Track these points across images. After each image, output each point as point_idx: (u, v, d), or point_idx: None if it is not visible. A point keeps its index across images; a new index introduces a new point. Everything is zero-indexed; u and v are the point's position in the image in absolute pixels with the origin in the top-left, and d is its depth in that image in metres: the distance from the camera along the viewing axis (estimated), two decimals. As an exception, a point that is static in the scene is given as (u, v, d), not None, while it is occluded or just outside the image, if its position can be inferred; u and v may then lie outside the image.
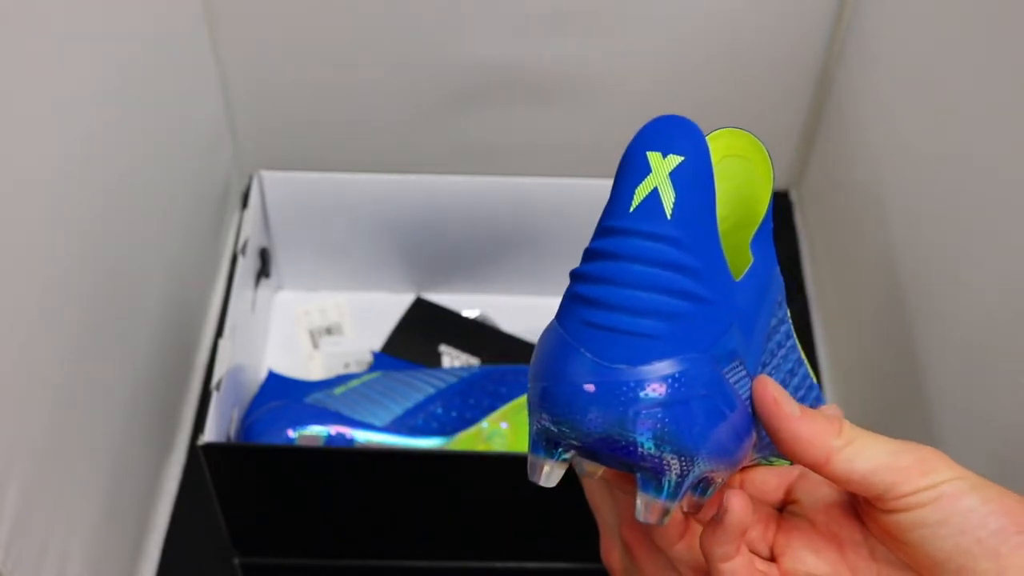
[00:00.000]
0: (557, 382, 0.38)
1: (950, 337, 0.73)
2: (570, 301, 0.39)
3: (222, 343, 0.77)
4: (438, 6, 0.91)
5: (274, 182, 0.89)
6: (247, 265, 0.86)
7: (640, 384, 0.37)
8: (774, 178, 0.43)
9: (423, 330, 0.96)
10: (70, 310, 0.67)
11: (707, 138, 0.41)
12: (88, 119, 0.70)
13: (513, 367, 0.88)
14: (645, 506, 0.39)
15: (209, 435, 0.71)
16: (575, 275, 0.39)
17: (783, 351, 0.45)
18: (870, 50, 0.90)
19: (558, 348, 0.39)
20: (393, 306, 0.98)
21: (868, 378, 0.87)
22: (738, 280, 0.40)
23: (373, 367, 0.91)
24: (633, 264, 0.37)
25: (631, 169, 0.38)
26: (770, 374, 0.43)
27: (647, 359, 0.37)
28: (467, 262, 0.96)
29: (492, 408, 0.83)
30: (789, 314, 0.46)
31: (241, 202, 1.02)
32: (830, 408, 0.47)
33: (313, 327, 0.97)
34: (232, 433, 0.80)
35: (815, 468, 0.41)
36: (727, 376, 0.39)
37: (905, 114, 0.83)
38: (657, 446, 0.37)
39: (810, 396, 0.48)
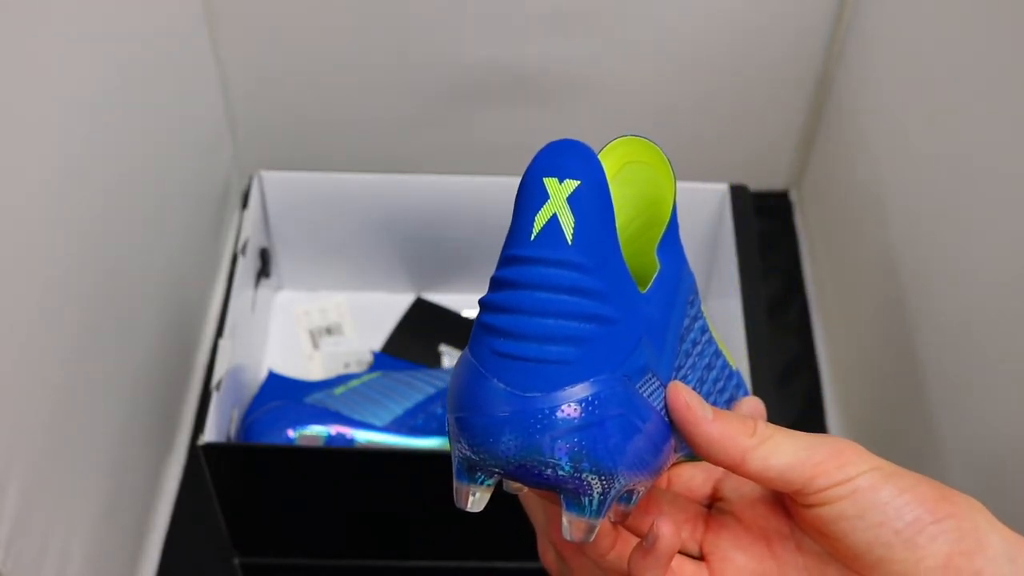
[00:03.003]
0: (472, 412, 0.39)
1: (950, 337, 0.73)
2: (480, 330, 0.39)
3: (222, 343, 0.77)
4: (438, 6, 0.91)
5: (274, 182, 0.89)
6: (247, 265, 0.86)
7: (553, 410, 0.38)
8: (675, 181, 0.43)
9: (423, 330, 0.96)
10: (70, 310, 0.67)
11: (605, 149, 0.42)
12: (88, 119, 0.70)
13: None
14: (570, 524, 0.39)
15: (209, 435, 0.71)
16: (483, 304, 0.40)
17: (698, 348, 0.45)
18: (870, 50, 0.90)
19: (471, 379, 0.39)
20: (393, 306, 0.98)
21: (868, 378, 0.87)
22: (645, 292, 0.40)
23: (373, 367, 0.91)
24: (537, 291, 0.38)
25: (529, 196, 0.38)
26: (686, 374, 0.44)
27: (558, 385, 0.38)
28: (467, 262, 0.96)
29: (492, 408, 0.83)
30: (703, 308, 0.47)
31: (241, 202, 1.02)
32: (751, 401, 0.47)
33: (313, 327, 0.97)
34: (232, 433, 0.80)
35: (732, 469, 0.42)
36: (640, 390, 0.39)
37: (905, 114, 0.83)
38: (575, 468, 0.38)
39: (729, 386, 0.49)
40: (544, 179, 0.38)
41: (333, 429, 0.81)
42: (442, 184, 0.88)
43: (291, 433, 0.80)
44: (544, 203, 0.38)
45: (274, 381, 0.86)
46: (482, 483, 0.40)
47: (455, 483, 0.41)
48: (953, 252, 0.74)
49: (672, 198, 0.43)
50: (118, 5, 0.73)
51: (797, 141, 1.04)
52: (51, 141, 0.64)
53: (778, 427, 0.42)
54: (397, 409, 0.83)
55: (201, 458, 0.72)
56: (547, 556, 0.48)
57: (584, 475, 0.38)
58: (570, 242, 0.38)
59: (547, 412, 0.38)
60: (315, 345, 0.96)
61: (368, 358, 0.93)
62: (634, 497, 0.41)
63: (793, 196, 1.09)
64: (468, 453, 0.39)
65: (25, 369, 0.61)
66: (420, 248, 0.95)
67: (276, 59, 0.96)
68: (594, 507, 0.39)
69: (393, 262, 0.96)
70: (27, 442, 0.61)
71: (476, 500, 0.40)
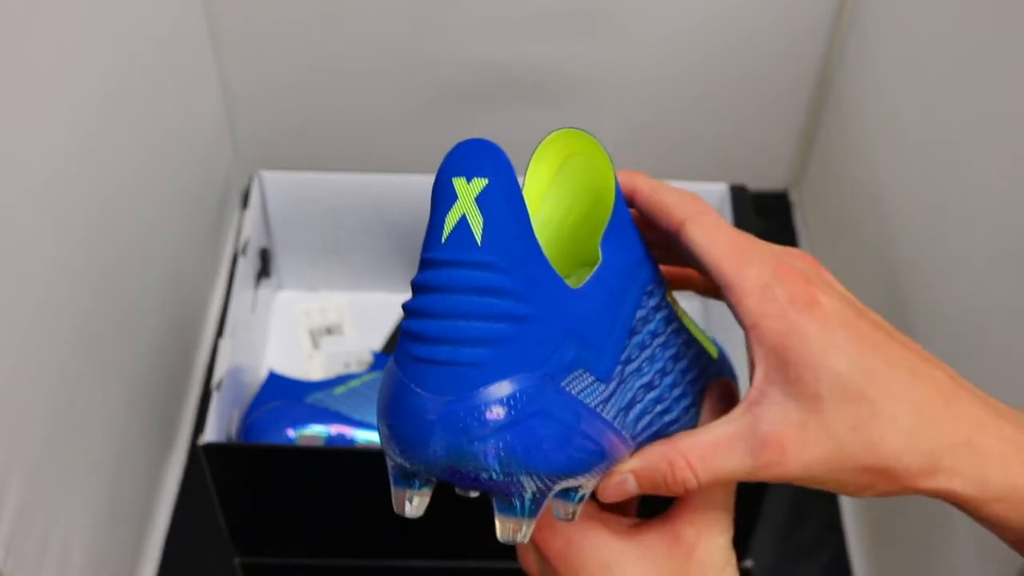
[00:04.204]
0: (398, 419, 0.38)
1: (949, 337, 0.73)
2: (401, 337, 0.39)
3: (222, 343, 0.77)
4: (438, 6, 0.91)
5: (274, 182, 0.89)
6: (247, 265, 0.86)
7: (472, 412, 0.37)
8: (615, 173, 0.42)
9: (423, 330, 0.96)
10: (70, 310, 0.67)
11: (543, 143, 0.42)
12: (89, 119, 0.70)
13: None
14: (502, 526, 0.39)
15: (209, 435, 0.71)
16: (404, 309, 0.39)
17: (660, 339, 0.44)
18: (870, 50, 0.90)
19: (394, 386, 0.39)
20: (393, 306, 0.98)
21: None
22: (580, 286, 0.40)
23: (373, 367, 0.91)
24: (448, 294, 0.38)
25: (439, 198, 0.38)
26: (641, 366, 0.43)
27: (474, 387, 0.37)
28: (467, 262, 0.96)
29: (492, 408, 0.83)
30: (672, 297, 0.46)
31: (241, 202, 1.02)
32: (721, 384, 0.49)
33: (313, 327, 0.97)
34: (232, 433, 0.80)
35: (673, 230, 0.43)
36: (567, 387, 0.39)
37: (905, 114, 0.83)
38: (504, 470, 0.38)
39: (708, 372, 0.48)
40: (453, 179, 0.38)
41: (333, 429, 0.81)
42: (442, 184, 0.87)
43: (291, 433, 0.80)
44: (453, 204, 0.38)
45: (274, 381, 0.86)
46: (419, 488, 0.40)
47: (392, 489, 0.41)
48: (952, 252, 0.74)
49: (612, 191, 0.42)
50: (119, 6, 0.73)
51: (797, 141, 1.04)
52: (51, 141, 0.64)
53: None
54: (397, 409, 0.83)
55: (201, 458, 0.72)
56: (527, 558, 0.48)
57: (515, 476, 0.38)
58: (479, 242, 0.37)
59: (465, 415, 0.37)
60: (315, 345, 0.96)
61: (368, 358, 0.93)
62: (578, 493, 0.41)
63: (793, 196, 1.09)
64: (399, 460, 0.39)
65: (25, 369, 0.61)
66: (420, 248, 0.95)
67: (276, 59, 0.96)
68: (526, 508, 0.39)
69: (393, 262, 0.96)
70: (27, 442, 0.61)
71: (414, 506, 0.41)
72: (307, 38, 0.94)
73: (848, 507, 0.89)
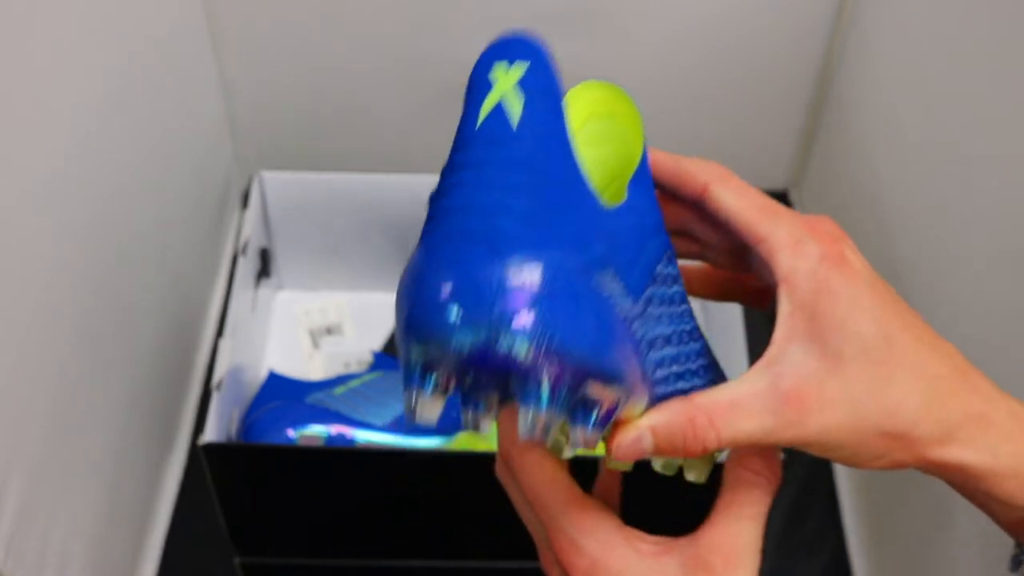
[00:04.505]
0: (418, 302, 0.36)
1: (949, 337, 0.72)
2: (426, 225, 0.37)
3: (222, 343, 0.77)
4: (438, 6, 0.91)
5: (274, 182, 0.89)
6: (247, 265, 0.86)
7: (502, 282, 0.35)
8: (643, 129, 0.42)
9: (423, 330, 0.96)
10: (70, 310, 0.67)
11: (570, 93, 0.41)
12: (89, 119, 0.70)
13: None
14: (524, 417, 0.36)
15: (209, 435, 0.71)
16: (429, 200, 0.38)
17: (675, 309, 0.43)
18: (870, 50, 0.90)
19: (416, 268, 0.37)
20: (393, 306, 0.97)
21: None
22: (609, 209, 0.39)
23: (373, 367, 0.91)
24: (482, 170, 0.36)
25: (475, 88, 0.37)
26: (660, 317, 0.42)
27: (507, 255, 0.35)
28: (467, 262, 0.96)
29: (492, 408, 0.83)
30: (687, 295, 0.45)
31: (241, 202, 1.02)
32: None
33: (313, 327, 0.97)
34: (232, 433, 0.80)
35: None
36: (599, 280, 0.37)
37: (905, 114, 0.83)
38: (531, 343, 0.35)
39: (717, 370, 0.47)
40: (493, 64, 0.37)
41: (333, 429, 0.81)
42: (442, 184, 0.87)
43: (291, 433, 0.80)
44: (489, 91, 0.37)
45: (274, 381, 0.87)
46: (432, 386, 0.36)
47: (404, 393, 0.37)
48: (952, 252, 0.74)
49: (641, 146, 0.41)
50: (119, 6, 0.73)
51: (797, 141, 1.04)
52: (52, 141, 0.64)
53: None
54: (397, 409, 0.83)
55: (201, 458, 0.72)
56: (552, 571, 0.48)
57: (543, 354, 0.35)
58: (515, 126, 0.36)
59: (494, 284, 0.35)
60: (315, 345, 0.96)
61: (368, 358, 0.93)
62: (594, 411, 0.38)
63: (793, 196, 1.09)
64: (417, 353, 0.36)
65: (25, 369, 0.61)
66: (420, 248, 0.95)
67: (276, 59, 0.96)
68: (552, 396, 0.35)
69: (393, 262, 0.96)
70: (27, 442, 0.61)
71: (426, 407, 0.37)
72: (307, 38, 0.94)
73: (848, 507, 0.89)
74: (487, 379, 0.36)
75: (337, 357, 0.94)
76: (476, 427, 0.39)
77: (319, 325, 0.97)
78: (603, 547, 0.43)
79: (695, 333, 0.45)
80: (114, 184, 0.74)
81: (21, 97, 0.60)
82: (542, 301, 0.35)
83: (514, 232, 0.35)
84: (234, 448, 0.75)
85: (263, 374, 0.90)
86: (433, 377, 0.36)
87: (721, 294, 0.49)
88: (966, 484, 0.42)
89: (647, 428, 0.40)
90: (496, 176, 0.36)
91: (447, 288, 0.35)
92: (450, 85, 1.00)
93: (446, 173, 0.37)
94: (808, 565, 0.87)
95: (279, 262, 0.96)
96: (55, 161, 0.65)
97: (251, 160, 1.01)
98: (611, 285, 0.38)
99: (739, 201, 0.43)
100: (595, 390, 0.37)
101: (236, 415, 0.81)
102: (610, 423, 0.39)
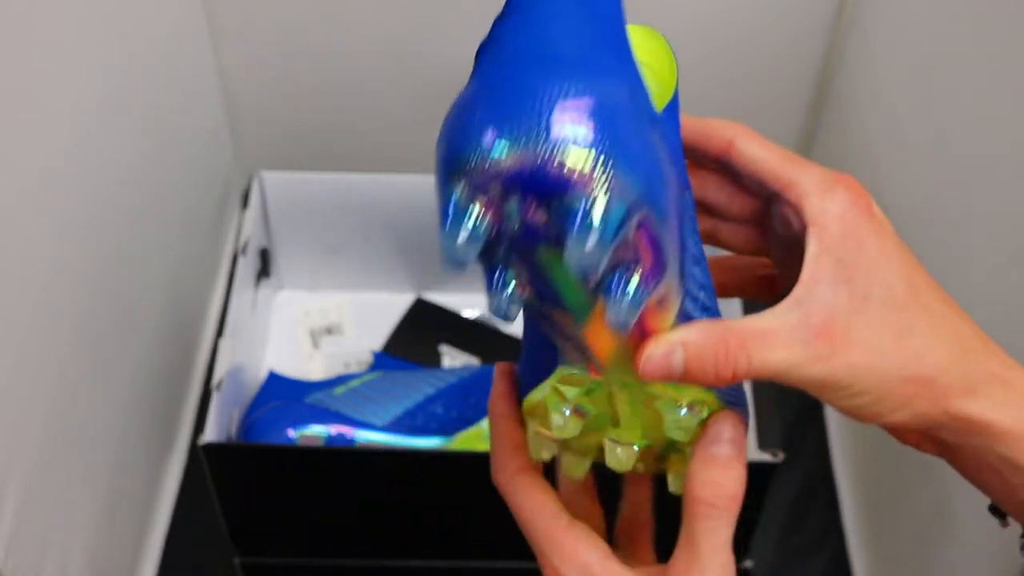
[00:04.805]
0: (464, 119, 0.34)
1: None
2: (474, 68, 0.35)
3: (222, 343, 0.77)
4: (439, 6, 0.91)
5: (274, 182, 0.89)
6: (247, 265, 0.86)
7: (556, 94, 0.32)
8: (677, 68, 0.41)
9: (423, 330, 0.96)
10: (70, 310, 0.67)
11: None
12: (89, 119, 0.70)
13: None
14: (577, 246, 0.33)
15: (209, 435, 0.71)
16: (478, 50, 0.36)
17: (694, 239, 0.42)
18: (870, 50, 0.90)
19: (462, 97, 0.35)
20: (393, 306, 0.98)
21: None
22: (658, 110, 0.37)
23: (373, 367, 0.91)
24: (535, 10, 0.35)
25: None
26: (694, 233, 0.41)
27: (562, 71, 0.33)
28: (467, 262, 0.96)
29: (492, 408, 0.83)
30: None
31: (241, 202, 1.02)
32: None
33: (313, 327, 0.97)
34: (232, 433, 0.80)
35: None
36: (652, 134, 0.35)
37: (905, 114, 0.83)
38: (586, 154, 0.32)
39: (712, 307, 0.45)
40: None
41: (333, 429, 0.81)
42: (442, 184, 0.87)
43: (291, 433, 0.80)
44: None
45: (274, 381, 0.86)
46: (473, 221, 0.34)
47: (441, 234, 0.35)
48: (953, 252, 0.74)
49: (674, 85, 0.41)
50: (119, 6, 0.73)
51: (797, 141, 1.04)
52: (51, 141, 0.64)
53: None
54: (397, 409, 0.83)
55: (201, 458, 0.72)
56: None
57: (595, 165, 0.32)
58: None
59: (549, 95, 0.32)
60: (315, 345, 0.96)
61: (368, 358, 0.93)
62: (637, 276, 0.35)
63: (793, 196, 1.09)
64: (458, 167, 0.34)
65: (25, 369, 0.61)
66: (420, 248, 0.95)
67: (276, 59, 0.96)
68: (604, 222, 0.32)
69: (393, 262, 0.96)
70: (27, 442, 0.61)
71: (464, 242, 0.34)
72: (307, 38, 0.94)
73: (848, 507, 0.89)
74: (530, 213, 0.34)
75: (337, 357, 0.94)
76: (505, 314, 0.37)
77: (319, 325, 0.97)
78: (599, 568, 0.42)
79: (715, 293, 0.44)
80: (114, 184, 0.74)
81: (21, 97, 0.60)
82: (599, 115, 0.33)
83: (571, 56, 0.34)
84: (234, 448, 0.75)
85: (263, 374, 0.90)
86: (474, 208, 0.34)
87: (725, 286, 0.49)
88: (983, 447, 0.41)
89: (679, 343, 0.38)
90: (550, 15, 0.34)
91: (496, 101, 0.33)
92: (450, 85, 1.00)
93: (496, 23, 0.36)
94: (808, 565, 0.87)
95: (279, 262, 0.96)
96: (55, 161, 0.65)
97: (251, 160, 1.01)
98: (660, 146, 0.36)
99: (766, 152, 0.43)
100: (641, 238, 0.35)
101: (236, 415, 0.81)
102: (647, 300, 0.36)
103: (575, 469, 0.45)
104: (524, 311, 0.42)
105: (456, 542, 0.80)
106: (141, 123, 0.79)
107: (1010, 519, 0.45)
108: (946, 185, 0.75)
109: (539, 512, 0.43)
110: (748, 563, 0.81)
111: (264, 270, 0.92)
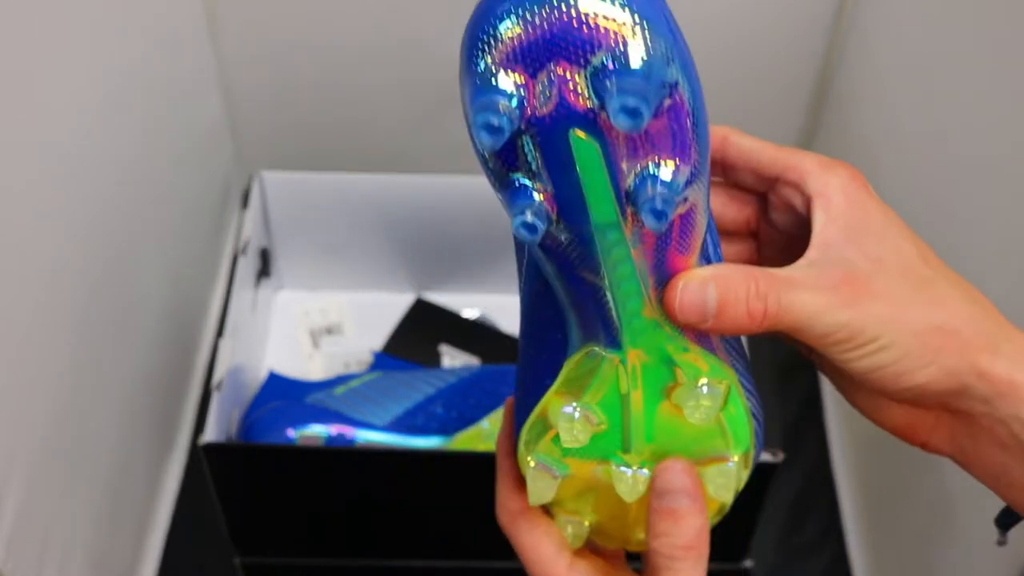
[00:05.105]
0: (485, 2, 0.34)
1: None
2: None
3: (222, 343, 0.77)
4: (439, 7, 0.91)
5: (274, 182, 0.89)
6: (247, 265, 0.86)
7: None
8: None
9: (423, 330, 0.96)
10: (70, 310, 0.67)
11: None
12: (89, 120, 0.70)
13: (513, 367, 0.88)
14: (620, 94, 0.32)
15: (210, 435, 0.71)
16: None
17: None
18: (870, 50, 0.90)
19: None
20: (393, 306, 0.98)
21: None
22: None
23: (373, 367, 0.91)
24: None
25: None
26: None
27: None
28: (467, 262, 0.96)
29: (492, 408, 0.83)
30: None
31: (241, 202, 1.02)
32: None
33: (313, 327, 0.97)
34: (232, 433, 0.80)
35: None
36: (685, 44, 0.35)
37: (905, 114, 0.83)
38: (613, 8, 0.32)
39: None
40: None
41: (333, 429, 0.81)
42: (442, 184, 0.88)
43: (291, 433, 0.80)
44: None
45: (274, 381, 0.87)
46: (511, 89, 0.33)
47: (471, 107, 0.34)
48: (952, 250, 0.73)
49: None
50: (119, 6, 0.73)
51: (797, 140, 1.04)
52: (51, 141, 0.64)
53: None
54: (397, 409, 0.83)
55: (202, 458, 0.72)
56: None
57: (631, 24, 0.32)
58: None
59: None
60: (315, 345, 0.96)
61: (368, 358, 0.93)
62: (667, 164, 0.35)
63: (793, 196, 1.09)
64: (485, 46, 0.34)
65: (25, 369, 0.61)
66: (420, 248, 0.95)
67: (276, 59, 0.96)
68: (645, 73, 0.32)
69: (393, 262, 0.96)
70: (28, 442, 0.61)
71: (496, 111, 0.33)
72: (307, 38, 0.94)
73: (848, 508, 0.89)
74: (564, 85, 0.33)
75: (337, 357, 0.94)
76: (530, 230, 0.36)
77: (319, 325, 0.97)
78: None
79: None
80: (114, 184, 0.74)
81: (20, 97, 0.60)
82: None
83: None
84: (234, 448, 0.75)
85: (263, 374, 0.90)
86: (503, 76, 0.33)
87: None
88: (1007, 416, 0.39)
89: (710, 277, 0.38)
90: None
91: None
92: (451, 86, 1.00)
93: None
94: (808, 565, 0.87)
95: (279, 262, 0.96)
96: (55, 161, 0.65)
97: (251, 160, 1.01)
98: (685, 44, 0.36)
99: (761, 143, 0.43)
100: (674, 116, 0.34)
101: (236, 415, 0.82)
102: (682, 194, 0.35)
103: (571, 539, 0.44)
104: (533, 298, 0.41)
105: (456, 542, 0.80)
106: (141, 123, 0.79)
107: (1008, 537, 0.45)
108: (946, 185, 0.75)
109: (540, 553, 0.43)
110: (748, 563, 0.82)
111: (264, 270, 0.92)
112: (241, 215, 0.90)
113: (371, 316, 0.97)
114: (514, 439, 0.44)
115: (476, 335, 0.96)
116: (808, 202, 0.41)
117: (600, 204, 0.36)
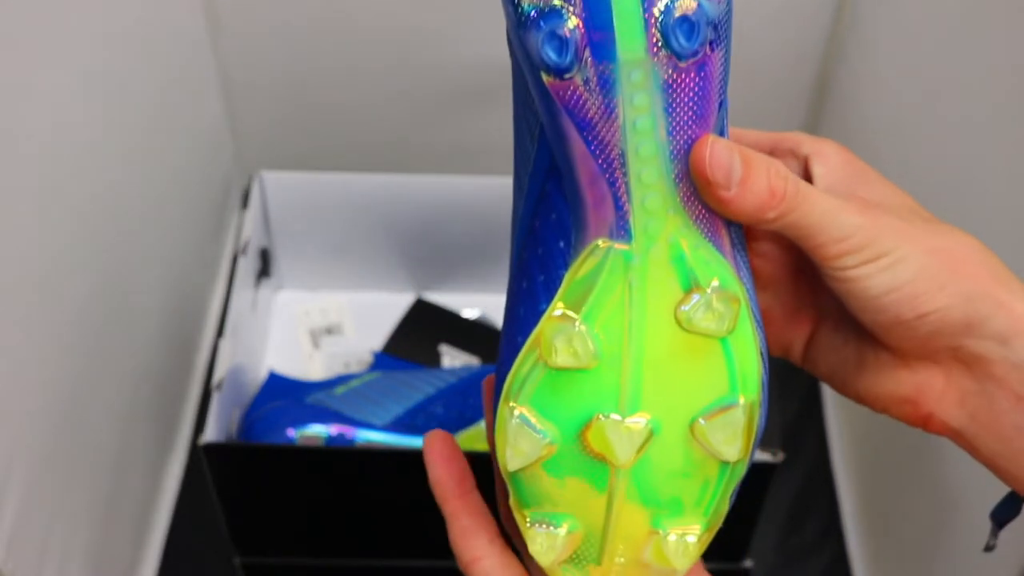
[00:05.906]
0: None
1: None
2: None
3: (222, 343, 0.77)
4: (438, 6, 0.91)
5: (274, 182, 0.89)
6: (247, 265, 0.86)
7: None
8: None
9: (423, 330, 0.96)
10: (70, 310, 0.67)
11: None
12: (88, 119, 0.70)
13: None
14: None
15: (210, 435, 0.71)
16: None
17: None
18: (870, 48, 0.90)
19: None
20: (393, 306, 0.98)
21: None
22: None
23: (373, 367, 0.91)
24: None
25: None
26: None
27: None
28: (467, 262, 0.96)
29: (492, 408, 0.83)
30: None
31: (241, 202, 1.02)
32: None
33: (313, 327, 0.97)
34: (232, 433, 0.80)
35: None
36: None
37: (905, 114, 0.83)
38: None
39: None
40: None
41: (334, 429, 0.81)
42: (442, 184, 0.88)
43: (292, 433, 0.80)
44: None
45: (274, 381, 0.87)
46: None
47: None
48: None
49: None
50: (119, 6, 0.74)
51: (797, 140, 1.04)
52: (51, 141, 0.64)
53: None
54: (397, 409, 0.83)
55: (202, 458, 0.72)
56: None
57: None
58: None
59: None
60: (315, 345, 0.96)
61: (368, 358, 0.93)
62: (698, 24, 0.36)
63: (793, 196, 1.09)
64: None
65: (25, 369, 0.61)
66: (420, 248, 0.95)
67: (276, 59, 0.96)
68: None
69: (393, 262, 0.96)
70: (28, 442, 0.61)
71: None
72: (307, 38, 0.94)
73: (848, 508, 0.89)
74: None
75: (337, 357, 0.94)
76: (562, 45, 0.36)
77: (319, 325, 0.97)
78: None
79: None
80: (114, 184, 0.74)
81: (20, 97, 0.60)
82: None
83: None
84: (234, 448, 0.75)
85: (263, 374, 0.90)
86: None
87: None
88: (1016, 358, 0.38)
89: (735, 147, 0.37)
90: None
91: None
92: (451, 85, 1.00)
93: None
94: (808, 565, 0.87)
95: (279, 262, 0.96)
96: (55, 161, 0.65)
97: (251, 160, 1.01)
98: None
99: (744, 131, 0.45)
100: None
101: (236, 415, 0.81)
102: (709, 26, 0.36)
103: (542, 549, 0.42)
104: (535, 205, 0.39)
105: (456, 542, 0.80)
106: (141, 123, 0.79)
107: (998, 540, 0.44)
108: (946, 184, 0.75)
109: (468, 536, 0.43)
110: (748, 563, 0.81)
111: (264, 270, 0.92)
112: (241, 215, 0.90)
113: (371, 316, 0.97)
114: (451, 472, 0.45)
115: (476, 335, 0.96)
116: (805, 164, 0.42)
117: (629, 34, 0.35)
